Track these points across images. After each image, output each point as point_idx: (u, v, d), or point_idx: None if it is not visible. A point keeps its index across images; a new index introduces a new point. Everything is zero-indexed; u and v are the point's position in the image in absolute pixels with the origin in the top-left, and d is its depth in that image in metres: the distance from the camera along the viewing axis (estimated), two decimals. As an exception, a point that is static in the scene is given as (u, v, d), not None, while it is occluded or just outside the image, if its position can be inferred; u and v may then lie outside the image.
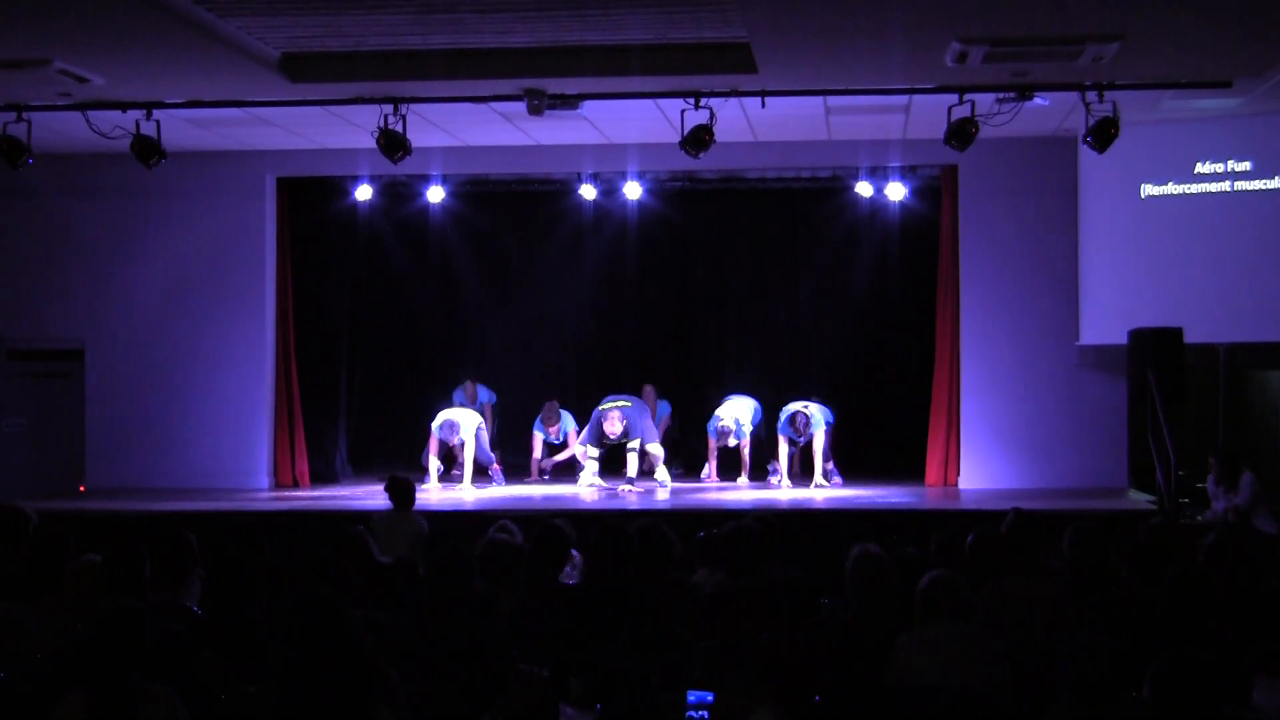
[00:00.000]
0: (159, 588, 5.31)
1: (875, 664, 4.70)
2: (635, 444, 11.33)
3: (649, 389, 12.70)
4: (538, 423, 12.33)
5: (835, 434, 11.75)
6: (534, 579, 5.73)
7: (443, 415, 11.62)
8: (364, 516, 8.28)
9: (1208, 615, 4.83)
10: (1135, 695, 3.86)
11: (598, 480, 11.40)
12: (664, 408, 12.72)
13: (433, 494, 11.15)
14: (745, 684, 4.29)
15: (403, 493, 7.96)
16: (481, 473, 11.81)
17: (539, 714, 4.13)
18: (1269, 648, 4.42)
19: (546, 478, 12.25)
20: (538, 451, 12.37)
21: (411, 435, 12.93)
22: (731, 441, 11.68)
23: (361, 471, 12.95)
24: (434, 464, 11.73)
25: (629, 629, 5.03)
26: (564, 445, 12.31)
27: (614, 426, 11.27)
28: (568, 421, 12.30)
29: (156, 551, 5.40)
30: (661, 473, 11.51)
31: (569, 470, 12.24)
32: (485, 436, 11.88)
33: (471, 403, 12.54)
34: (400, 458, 13.08)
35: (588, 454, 11.51)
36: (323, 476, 12.40)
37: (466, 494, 11.15)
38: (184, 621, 5.04)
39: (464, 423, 11.55)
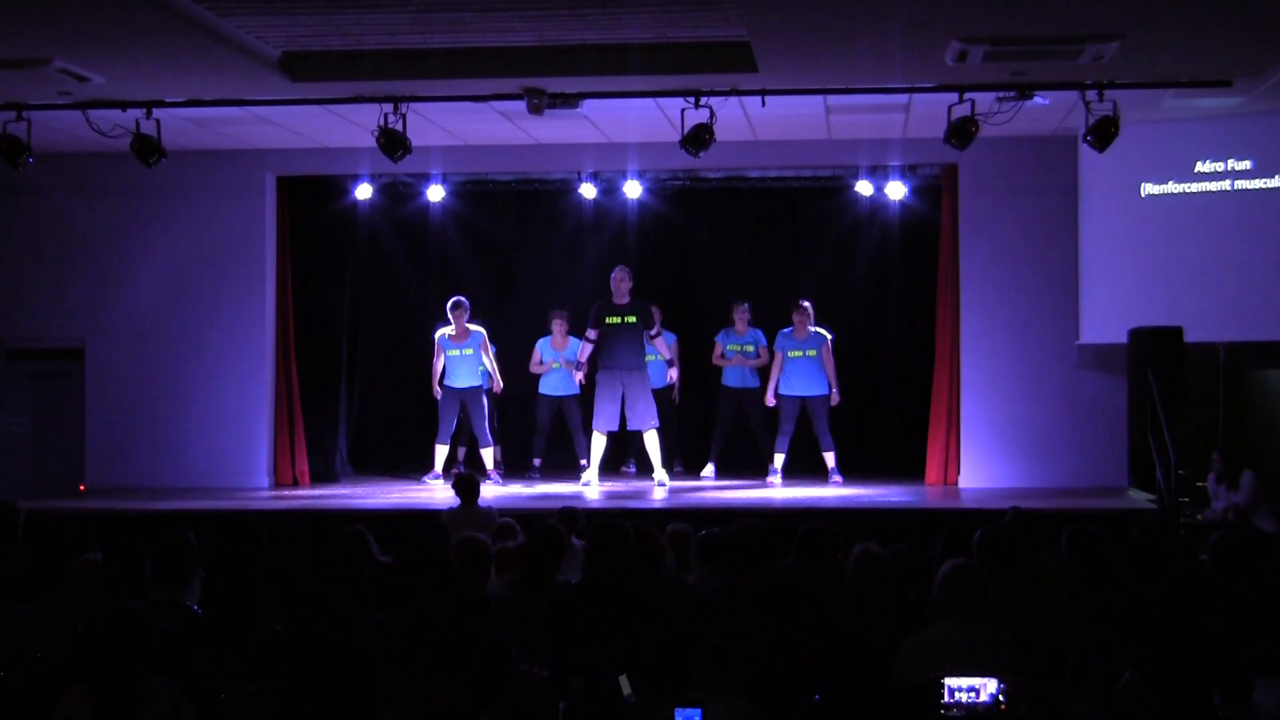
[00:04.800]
0: (159, 587, 5.31)
1: (875, 664, 4.69)
2: (651, 433, 11.28)
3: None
4: (544, 341, 12.23)
5: (835, 433, 11.76)
6: (530, 577, 5.72)
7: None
8: (431, 515, 9.03)
9: (1208, 615, 4.82)
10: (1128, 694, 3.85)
11: (596, 480, 11.39)
12: (669, 338, 12.18)
13: (437, 491, 11.17)
14: (742, 685, 4.28)
15: (470, 488, 8.54)
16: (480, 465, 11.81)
17: (539, 714, 4.12)
18: (1269, 648, 4.42)
19: (538, 476, 12.22)
20: (536, 368, 12.24)
21: (412, 435, 12.91)
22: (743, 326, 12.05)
23: (361, 471, 12.94)
24: (440, 453, 11.71)
25: (626, 629, 5.02)
26: (576, 366, 11.76)
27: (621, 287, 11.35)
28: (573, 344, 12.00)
29: (156, 551, 5.40)
30: (660, 472, 11.48)
31: (564, 467, 12.24)
32: (489, 401, 11.83)
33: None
34: (400, 458, 13.08)
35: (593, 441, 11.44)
36: (323, 476, 12.37)
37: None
38: (184, 621, 5.04)
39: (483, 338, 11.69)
